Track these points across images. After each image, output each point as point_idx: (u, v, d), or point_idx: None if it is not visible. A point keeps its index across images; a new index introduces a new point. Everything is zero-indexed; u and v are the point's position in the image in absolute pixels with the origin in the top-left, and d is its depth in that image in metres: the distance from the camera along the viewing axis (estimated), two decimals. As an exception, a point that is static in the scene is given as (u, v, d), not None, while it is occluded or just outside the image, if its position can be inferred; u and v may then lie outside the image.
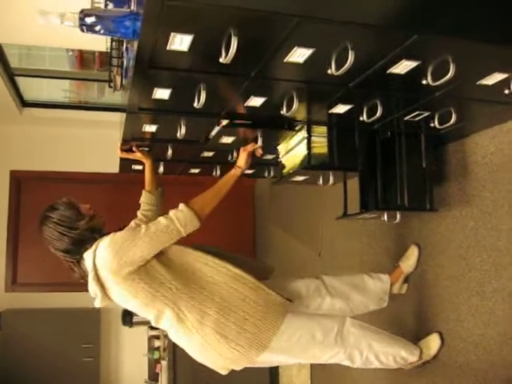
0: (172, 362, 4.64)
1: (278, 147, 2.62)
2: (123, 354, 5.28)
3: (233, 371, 2.31)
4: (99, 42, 3.17)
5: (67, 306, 4.62)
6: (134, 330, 4.70)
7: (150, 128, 2.32)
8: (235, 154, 2.56)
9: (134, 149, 2.65)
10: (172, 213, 2.17)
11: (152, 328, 4.75)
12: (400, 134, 2.47)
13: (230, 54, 1.44)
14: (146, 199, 2.62)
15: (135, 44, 1.61)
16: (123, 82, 2.63)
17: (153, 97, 1.89)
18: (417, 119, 2.22)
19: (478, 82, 1.81)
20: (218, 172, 3.02)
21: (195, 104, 1.84)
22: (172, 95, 1.87)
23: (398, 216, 2.55)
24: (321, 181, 2.73)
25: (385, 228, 3.19)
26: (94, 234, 2.19)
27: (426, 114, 2.16)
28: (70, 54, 4.64)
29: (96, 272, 2.11)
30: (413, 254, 2.90)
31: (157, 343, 4.93)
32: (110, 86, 3.11)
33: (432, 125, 2.22)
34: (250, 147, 2.40)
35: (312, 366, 4.23)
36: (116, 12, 1.75)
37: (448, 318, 2.67)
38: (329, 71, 1.61)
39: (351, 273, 2.84)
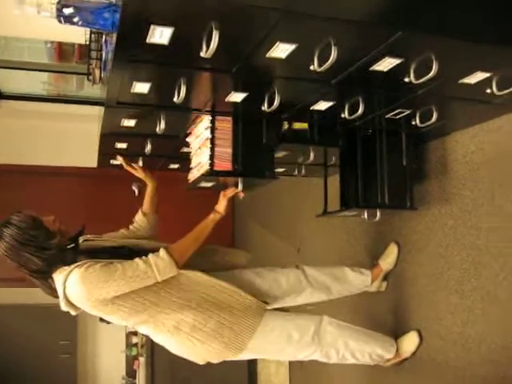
0: (150, 359, 4.61)
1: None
2: (101, 351, 5.24)
3: (211, 366, 2.35)
4: (78, 34, 3.11)
5: (43, 302, 4.54)
6: (112, 326, 4.65)
7: (129, 122, 2.27)
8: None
9: (137, 168, 2.65)
10: (152, 259, 2.08)
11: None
12: (381, 132, 2.47)
13: (211, 48, 1.41)
14: (139, 221, 2.61)
15: (114, 36, 1.58)
16: (102, 75, 2.58)
17: (132, 91, 1.85)
18: (398, 117, 2.22)
19: (460, 81, 1.81)
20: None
21: (175, 99, 1.81)
22: (151, 89, 1.83)
23: (378, 214, 2.55)
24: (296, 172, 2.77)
25: (365, 226, 3.19)
26: (64, 252, 2.10)
27: (408, 112, 2.15)
28: (48, 46, 4.56)
29: (67, 298, 2.06)
30: (392, 251, 2.90)
31: (134, 339, 4.89)
32: (88, 80, 3.06)
33: (413, 123, 2.22)
34: (229, 192, 2.36)
35: (290, 363, 4.23)
36: (95, 3, 1.71)
37: (427, 316, 2.67)
38: (311, 67, 1.59)
39: (329, 265, 2.83)
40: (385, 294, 2.96)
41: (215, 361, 2.30)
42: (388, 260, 2.90)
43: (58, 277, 2.06)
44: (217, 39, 1.38)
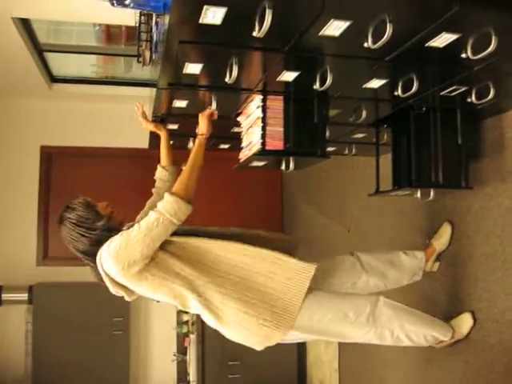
0: (200, 336, 4.70)
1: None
2: (152, 328, 5.35)
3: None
4: (127, 17, 3.13)
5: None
6: (163, 304, 4.74)
7: (181, 103, 2.29)
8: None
9: (143, 120, 2.63)
10: (159, 205, 2.10)
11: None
12: (435, 110, 2.41)
13: (263, 27, 1.40)
14: (159, 175, 2.61)
15: (166, 18, 1.58)
16: (153, 56, 2.60)
17: (184, 71, 1.86)
18: (453, 94, 2.15)
19: (520, 56, 1.75)
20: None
21: (227, 79, 1.81)
22: (203, 70, 1.84)
23: (432, 193, 2.50)
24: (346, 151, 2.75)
25: (417, 205, 3.14)
26: (111, 234, 2.13)
27: (463, 88, 2.09)
28: (96, 29, 4.62)
29: (110, 277, 2.11)
30: (446, 231, 2.85)
31: (185, 317, 4.98)
32: (138, 61, 3.08)
33: (469, 100, 2.16)
34: (206, 112, 2.32)
35: (340, 342, 4.23)
36: (147, -15, 1.72)
37: (481, 298, 2.62)
38: (365, 44, 1.57)
39: (383, 249, 2.81)
40: (438, 274, 2.92)
41: (271, 340, 2.21)
42: (441, 240, 2.85)
43: (97, 257, 2.11)
44: (270, 18, 1.37)
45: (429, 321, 2.51)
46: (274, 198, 5.67)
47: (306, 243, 2.53)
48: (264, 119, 2.15)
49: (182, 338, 5.18)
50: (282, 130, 2.17)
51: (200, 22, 1.45)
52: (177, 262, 2.11)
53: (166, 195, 2.12)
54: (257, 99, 2.17)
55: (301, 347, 4.91)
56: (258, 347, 2.28)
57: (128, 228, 2.12)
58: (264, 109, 2.15)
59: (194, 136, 2.73)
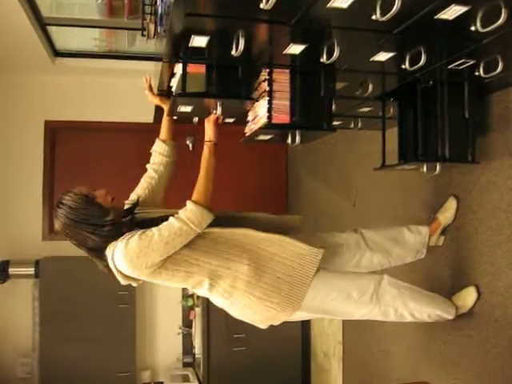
0: (206, 310, 4.73)
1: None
2: (158, 301, 5.39)
3: None
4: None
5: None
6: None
7: (186, 108, 2.27)
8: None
9: (149, 93, 2.60)
10: (183, 214, 2.08)
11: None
12: (442, 83, 2.39)
13: (271, -1, 1.38)
14: (159, 149, 2.56)
15: (173, -10, 1.56)
16: (157, 29, 2.57)
17: (190, 44, 1.84)
18: (461, 68, 2.13)
19: (529, 29, 1.72)
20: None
21: (233, 52, 1.79)
22: (209, 43, 1.82)
23: (438, 168, 2.49)
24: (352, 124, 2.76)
25: (423, 180, 3.13)
26: (122, 228, 2.12)
27: (472, 62, 2.07)
28: (99, 2, 4.56)
29: (121, 272, 2.11)
30: (451, 206, 2.84)
31: (191, 291, 5.01)
32: (142, 35, 3.04)
33: (477, 73, 2.14)
34: (212, 117, 2.33)
35: (344, 317, 4.26)
36: (152, -44, 1.70)
37: (485, 271, 2.63)
38: (373, 17, 1.55)
39: (387, 224, 2.82)
40: (443, 248, 2.92)
41: (276, 320, 2.29)
42: (446, 214, 2.85)
43: (108, 252, 2.10)
44: (277, -11, 1.36)
45: (432, 299, 2.52)
46: (279, 172, 5.66)
47: (308, 221, 2.51)
48: (270, 93, 2.14)
49: (187, 312, 5.24)
50: (288, 103, 2.16)
51: (207, -7, 1.44)
52: (189, 251, 2.12)
53: (189, 204, 2.11)
54: (263, 72, 2.16)
55: (304, 321, 4.95)
56: (263, 326, 2.34)
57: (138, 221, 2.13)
58: (270, 82, 2.13)
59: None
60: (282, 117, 2.17)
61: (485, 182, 2.64)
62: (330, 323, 4.53)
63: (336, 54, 1.83)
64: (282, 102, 2.16)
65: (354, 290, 2.31)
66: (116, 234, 2.10)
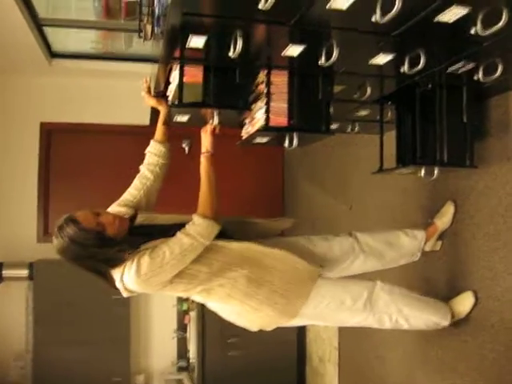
0: (200, 314, 4.70)
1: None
2: (152, 305, 5.36)
3: None
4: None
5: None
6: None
7: (182, 117, 2.28)
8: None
9: (146, 94, 2.57)
10: (192, 230, 2.09)
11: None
12: (441, 87, 2.37)
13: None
14: (155, 150, 2.50)
15: (170, -11, 1.54)
16: (154, 31, 2.55)
17: (187, 46, 1.82)
18: (460, 71, 2.12)
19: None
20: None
21: (230, 53, 1.77)
22: (207, 44, 1.80)
23: (436, 172, 2.47)
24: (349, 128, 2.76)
25: (420, 184, 3.12)
26: (123, 245, 2.09)
27: (471, 65, 2.06)
28: (96, 5, 4.55)
29: (129, 291, 2.12)
30: (449, 210, 2.83)
31: (185, 295, 4.97)
32: (139, 36, 3.02)
33: (475, 77, 2.12)
34: (209, 128, 2.33)
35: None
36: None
37: (483, 277, 2.62)
38: (373, 19, 1.53)
39: (384, 228, 2.79)
40: (440, 253, 2.91)
41: (268, 328, 2.33)
42: (444, 219, 2.83)
43: (116, 274, 2.09)
44: (276, -10, 1.34)
45: (428, 304, 2.51)
46: (276, 175, 5.64)
47: (305, 224, 2.50)
48: (268, 95, 2.12)
49: (182, 316, 5.20)
50: (286, 105, 2.14)
51: (204, -8, 1.42)
52: (192, 263, 2.11)
53: (197, 219, 2.12)
54: (260, 74, 2.14)
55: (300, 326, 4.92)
56: (253, 329, 2.37)
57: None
58: (268, 84, 2.11)
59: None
60: (280, 119, 2.15)
61: (482, 187, 2.63)
62: (326, 328, 4.51)
63: (335, 55, 1.81)
64: (280, 105, 2.14)
65: (347, 297, 2.31)
66: (122, 255, 2.07)
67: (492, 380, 2.55)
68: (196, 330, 4.80)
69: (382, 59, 1.98)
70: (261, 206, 5.22)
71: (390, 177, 3.30)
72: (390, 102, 2.62)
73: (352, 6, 1.50)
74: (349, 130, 3.05)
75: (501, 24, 1.55)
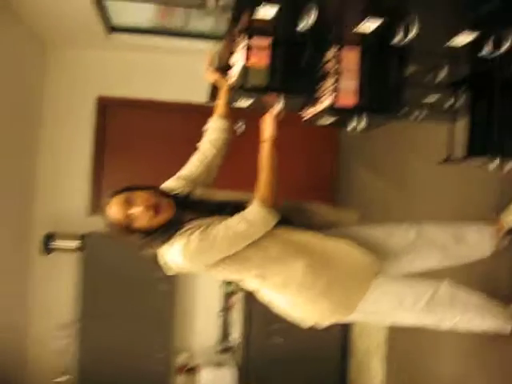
0: (247, 296, 4.65)
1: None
2: (198, 285, 5.33)
3: None
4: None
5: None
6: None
7: (245, 102, 2.20)
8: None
9: (209, 68, 2.50)
10: (250, 216, 2.02)
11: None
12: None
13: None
14: (218, 125, 2.45)
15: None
16: (219, 1, 2.47)
17: (254, 17, 1.72)
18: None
19: None
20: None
21: (300, 26, 1.66)
22: (277, 15, 1.69)
23: (510, 165, 2.31)
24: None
25: (488, 177, 2.94)
26: (175, 223, 2.05)
27: None
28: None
29: (174, 266, 2.07)
30: (517, 207, 2.66)
31: (232, 277, 4.94)
32: (202, 8, 2.94)
33: None
34: (271, 114, 2.20)
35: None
36: None
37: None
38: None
39: (447, 221, 2.63)
40: (505, 252, 2.73)
41: (322, 323, 2.23)
42: (511, 217, 2.66)
43: (164, 249, 2.06)
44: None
45: (490, 311, 2.33)
46: (328, 161, 5.49)
47: (370, 216, 2.38)
48: (337, 72, 1.99)
49: (227, 298, 5.17)
50: (356, 84, 2.02)
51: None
52: (247, 247, 2.04)
53: (256, 205, 2.04)
54: (330, 50, 2.02)
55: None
56: (307, 324, 2.29)
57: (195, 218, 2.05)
58: (338, 61, 1.99)
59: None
60: (348, 100, 2.02)
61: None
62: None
63: (413, 33, 1.68)
64: (350, 84, 2.01)
65: (408, 295, 2.18)
66: (172, 231, 2.03)
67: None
68: (241, 312, 4.76)
69: (462, 39, 1.83)
70: (311, 193, 5.09)
71: (452, 169, 3.13)
72: (463, 87, 2.46)
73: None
74: (414, 116, 2.90)
75: None
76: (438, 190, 3.54)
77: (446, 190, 3.44)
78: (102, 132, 5.26)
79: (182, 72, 5.09)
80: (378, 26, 1.75)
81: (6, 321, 4.55)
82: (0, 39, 4.07)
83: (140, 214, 2.00)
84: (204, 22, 4.34)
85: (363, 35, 1.86)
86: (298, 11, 1.65)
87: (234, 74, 2.18)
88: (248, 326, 4.75)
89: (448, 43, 1.87)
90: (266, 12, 1.68)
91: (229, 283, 5.01)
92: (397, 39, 1.76)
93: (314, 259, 2.10)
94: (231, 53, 2.21)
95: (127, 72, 5.26)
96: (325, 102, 2.07)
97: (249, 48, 1.95)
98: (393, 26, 1.75)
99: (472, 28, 1.75)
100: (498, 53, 1.81)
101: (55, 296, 5.11)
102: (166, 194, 2.12)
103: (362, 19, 1.71)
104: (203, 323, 5.35)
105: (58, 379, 4.99)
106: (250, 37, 1.91)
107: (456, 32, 1.79)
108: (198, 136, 2.53)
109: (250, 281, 2.20)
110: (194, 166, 2.39)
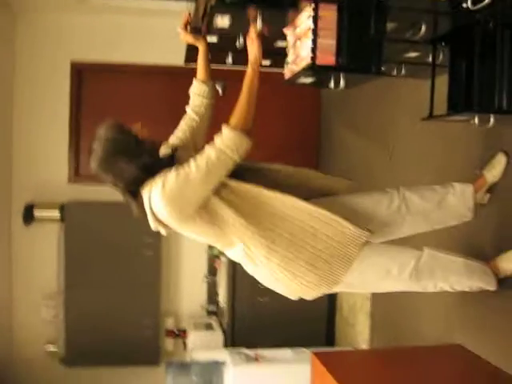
0: (230, 259, 4.65)
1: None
2: (183, 249, 5.34)
3: None
4: None
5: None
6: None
7: (223, 21, 2.11)
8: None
9: (183, 30, 2.44)
10: (219, 141, 1.98)
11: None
12: (506, 26, 2.15)
13: None
14: (197, 90, 2.43)
15: None
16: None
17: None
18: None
19: None
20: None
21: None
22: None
23: (492, 120, 2.29)
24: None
25: (469, 133, 2.92)
26: (160, 162, 2.07)
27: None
28: None
29: (155, 215, 2.02)
30: (500, 162, 2.64)
31: (216, 240, 4.93)
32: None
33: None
34: (252, 34, 2.15)
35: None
36: None
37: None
38: None
39: (428, 183, 2.61)
40: (487, 209, 2.74)
41: (308, 296, 2.20)
42: (494, 171, 2.65)
43: (145, 192, 2.02)
44: None
45: (474, 270, 2.34)
46: (310, 121, 5.45)
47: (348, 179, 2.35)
48: (315, 30, 1.94)
49: (212, 260, 5.19)
50: (334, 42, 1.96)
51: None
52: (228, 209, 2.01)
53: (225, 129, 1.99)
54: (308, 8, 1.96)
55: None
56: (292, 297, 2.25)
57: (179, 162, 2.02)
58: (315, 19, 1.93)
59: (233, 50, 2.56)
60: (328, 58, 1.96)
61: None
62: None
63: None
64: (328, 41, 1.95)
65: (393, 266, 2.18)
66: (154, 169, 2.02)
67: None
68: (226, 274, 4.78)
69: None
70: (293, 154, 5.04)
71: (434, 125, 3.10)
72: (443, 43, 2.42)
73: None
74: (394, 73, 2.85)
75: None
76: (421, 147, 3.52)
77: (429, 147, 3.43)
78: (78, 98, 5.17)
79: (158, 34, 4.97)
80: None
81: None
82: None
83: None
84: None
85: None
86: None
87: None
88: (233, 288, 4.77)
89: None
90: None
91: (213, 247, 5.00)
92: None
93: (299, 229, 2.05)
94: (205, 11, 2.15)
95: (101, 36, 5.15)
96: (303, 62, 2.02)
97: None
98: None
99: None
100: (481, 5, 1.77)
101: (39, 267, 5.09)
102: None
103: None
104: (189, 287, 5.38)
105: (47, 349, 5.01)
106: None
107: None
108: (179, 99, 2.48)
109: (229, 252, 2.18)
110: (181, 131, 2.39)
